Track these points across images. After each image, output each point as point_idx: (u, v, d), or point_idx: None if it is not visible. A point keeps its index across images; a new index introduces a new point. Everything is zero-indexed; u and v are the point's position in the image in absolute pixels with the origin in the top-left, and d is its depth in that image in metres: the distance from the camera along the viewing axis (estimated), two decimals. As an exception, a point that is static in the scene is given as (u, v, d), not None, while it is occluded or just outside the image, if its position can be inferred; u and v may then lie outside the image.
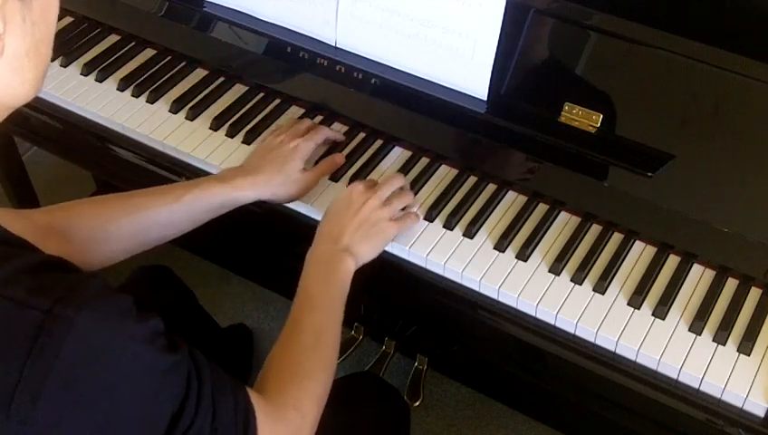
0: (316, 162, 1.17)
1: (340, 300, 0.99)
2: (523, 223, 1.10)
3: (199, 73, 1.32)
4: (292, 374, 0.90)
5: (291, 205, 1.13)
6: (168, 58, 1.34)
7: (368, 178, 1.16)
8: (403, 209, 1.09)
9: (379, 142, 1.20)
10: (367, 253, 1.03)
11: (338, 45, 1.21)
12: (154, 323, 0.72)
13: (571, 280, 1.03)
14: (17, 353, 0.63)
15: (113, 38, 1.39)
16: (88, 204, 1.04)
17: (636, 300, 1.01)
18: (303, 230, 1.14)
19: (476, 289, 1.04)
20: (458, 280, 1.05)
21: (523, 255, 1.06)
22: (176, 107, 1.26)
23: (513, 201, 1.13)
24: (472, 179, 1.15)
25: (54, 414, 0.64)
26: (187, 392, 0.73)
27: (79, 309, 0.65)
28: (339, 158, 1.17)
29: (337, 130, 1.21)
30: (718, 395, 0.94)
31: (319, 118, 1.24)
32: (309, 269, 1.00)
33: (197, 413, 0.74)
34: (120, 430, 0.69)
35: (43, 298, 0.64)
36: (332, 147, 1.20)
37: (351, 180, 1.15)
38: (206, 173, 1.17)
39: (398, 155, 1.19)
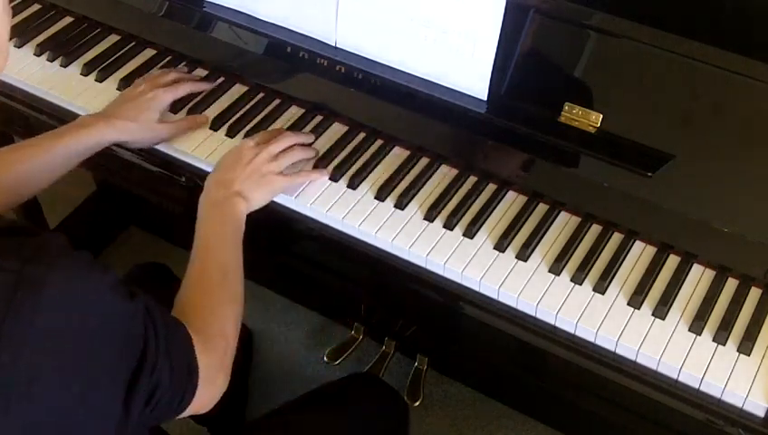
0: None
1: (238, 239, 1.05)
2: (523, 223, 1.10)
3: (199, 73, 1.32)
4: (209, 307, 0.96)
5: (288, 204, 1.13)
6: (168, 58, 1.34)
7: (356, 170, 1.16)
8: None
9: (379, 142, 1.20)
10: (257, 199, 1.08)
11: (338, 45, 1.21)
12: (113, 274, 0.76)
13: (571, 280, 1.03)
14: None
15: (113, 38, 1.38)
16: None
17: (636, 300, 1.01)
18: (302, 229, 1.14)
19: (476, 289, 1.04)
20: (458, 280, 1.05)
21: (523, 255, 1.06)
22: (176, 107, 1.26)
23: (513, 201, 1.13)
24: (472, 179, 1.15)
25: (36, 366, 0.67)
26: (146, 335, 0.77)
27: (49, 267, 0.68)
28: (201, 118, 1.23)
29: (203, 80, 1.28)
30: (718, 395, 0.94)
31: (319, 118, 1.24)
32: (204, 214, 1.05)
33: (158, 352, 0.78)
34: (95, 374, 0.72)
35: (11, 260, 0.67)
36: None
37: (352, 180, 1.15)
38: (205, 173, 1.16)
39: (397, 155, 1.19)
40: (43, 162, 1.09)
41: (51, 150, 1.09)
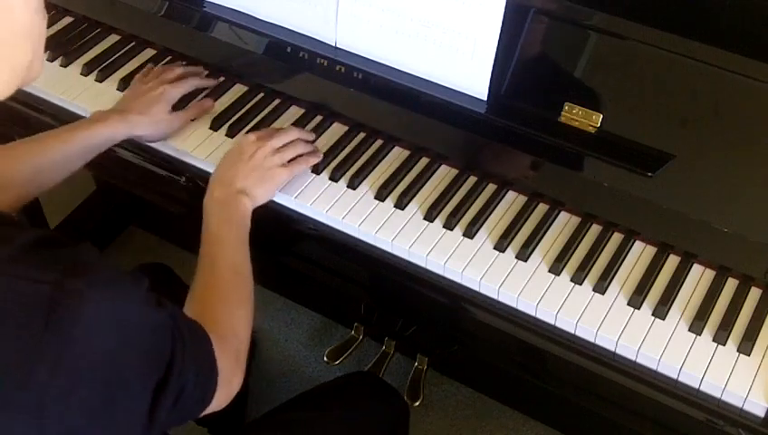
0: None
1: (245, 237, 1.05)
2: (523, 223, 1.10)
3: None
4: (221, 307, 0.96)
5: (288, 204, 1.13)
6: (168, 58, 1.34)
7: (356, 170, 1.16)
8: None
9: (379, 142, 1.20)
10: (261, 195, 1.09)
11: (338, 45, 1.21)
12: (144, 284, 0.76)
13: (571, 280, 1.03)
14: (33, 328, 0.65)
15: (113, 38, 1.39)
16: None
17: (636, 300, 1.01)
18: (302, 229, 1.14)
19: (476, 289, 1.04)
20: (458, 280, 1.05)
21: (523, 255, 1.06)
22: (178, 106, 1.26)
23: (513, 201, 1.13)
24: (472, 179, 1.15)
25: (71, 381, 0.67)
26: (173, 344, 0.77)
27: (87, 282, 0.68)
28: (208, 103, 1.25)
29: (204, 76, 1.29)
30: (718, 395, 0.94)
31: (319, 118, 1.24)
32: (209, 213, 1.06)
33: (185, 359, 0.78)
34: (125, 385, 0.72)
35: (49, 273, 0.67)
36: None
37: (352, 180, 1.15)
38: (206, 173, 1.16)
39: (397, 155, 1.19)
40: (58, 155, 1.10)
41: (69, 141, 1.10)
